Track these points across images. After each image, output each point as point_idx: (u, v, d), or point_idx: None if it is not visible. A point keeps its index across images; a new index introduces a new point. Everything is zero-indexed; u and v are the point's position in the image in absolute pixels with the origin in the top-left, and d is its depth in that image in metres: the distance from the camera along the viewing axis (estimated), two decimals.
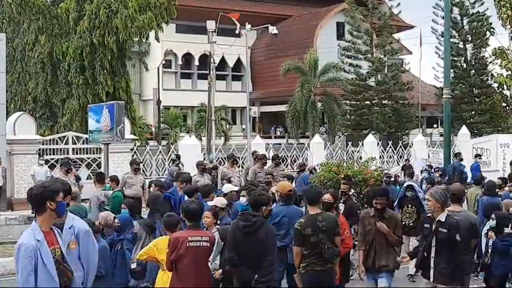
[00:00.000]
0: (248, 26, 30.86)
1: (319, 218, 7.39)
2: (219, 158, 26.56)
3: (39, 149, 22.40)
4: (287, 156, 29.21)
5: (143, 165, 23.92)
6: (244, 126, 46.62)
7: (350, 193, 11.55)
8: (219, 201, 9.26)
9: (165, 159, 25.49)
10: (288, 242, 8.63)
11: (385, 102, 41.57)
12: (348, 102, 42.42)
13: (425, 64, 66.27)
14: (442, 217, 7.36)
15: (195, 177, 15.65)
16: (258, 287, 7.06)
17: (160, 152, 26.16)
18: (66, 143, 23.75)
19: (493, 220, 9.03)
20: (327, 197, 8.24)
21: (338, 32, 47.43)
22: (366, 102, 41.91)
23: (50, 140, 23.92)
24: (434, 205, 7.37)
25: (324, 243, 7.26)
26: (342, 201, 10.52)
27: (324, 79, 41.89)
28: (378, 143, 32.21)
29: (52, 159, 22.72)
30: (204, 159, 24.30)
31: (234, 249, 7.24)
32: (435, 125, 47.67)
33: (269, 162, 16.82)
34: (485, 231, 9.24)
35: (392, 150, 32.12)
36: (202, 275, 6.90)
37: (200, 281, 6.86)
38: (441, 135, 34.51)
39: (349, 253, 9.06)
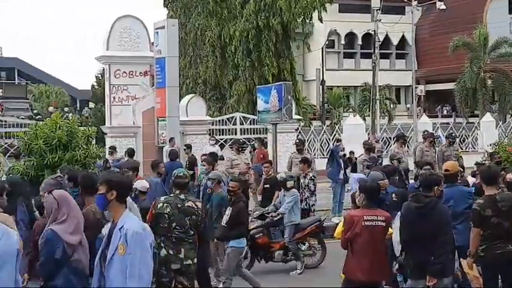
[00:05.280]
0: (414, 3, 30.11)
1: (498, 198, 7.10)
2: (383, 137, 26.25)
3: (209, 129, 23.38)
4: (456, 135, 28.18)
5: (308, 145, 24.21)
6: (408, 106, 45.66)
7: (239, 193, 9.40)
8: (140, 183, 8.89)
9: (329, 139, 25.63)
10: (453, 224, 8.40)
11: None
12: None
13: None
14: None
15: (362, 156, 15.63)
16: (432, 268, 6.97)
17: (324, 132, 26.34)
18: (234, 124, 24.56)
19: None
20: (509, 176, 7.92)
21: (510, 5, 44.88)
22: None
23: (219, 120, 24.86)
24: None
25: (504, 223, 6.97)
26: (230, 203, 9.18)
27: (495, 55, 40.07)
28: None
29: (221, 139, 23.62)
30: (369, 138, 24.12)
31: (408, 231, 7.18)
32: None
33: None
34: None
35: None
36: (378, 254, 6.88)
37: (375, 260, 6.85)
38: None
39: None
